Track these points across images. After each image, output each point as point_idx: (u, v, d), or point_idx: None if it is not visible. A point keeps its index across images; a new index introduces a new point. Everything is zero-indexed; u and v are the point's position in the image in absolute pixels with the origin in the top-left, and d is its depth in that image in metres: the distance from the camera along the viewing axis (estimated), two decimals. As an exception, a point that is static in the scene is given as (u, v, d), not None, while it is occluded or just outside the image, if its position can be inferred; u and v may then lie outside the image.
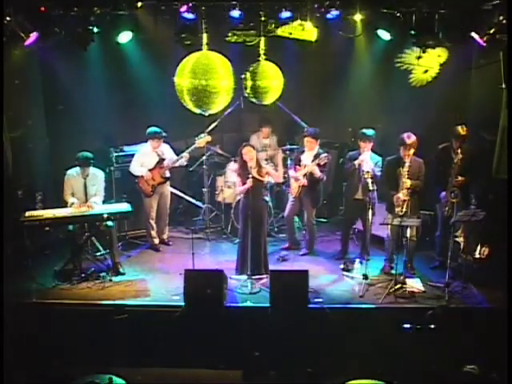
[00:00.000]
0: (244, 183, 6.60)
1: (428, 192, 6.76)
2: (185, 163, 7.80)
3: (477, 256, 6.70)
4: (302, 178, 7.21)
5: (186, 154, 7.61)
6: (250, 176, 6.47)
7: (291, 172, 7.47)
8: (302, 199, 7.36)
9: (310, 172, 7.14)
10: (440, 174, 6.70)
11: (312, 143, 7.22)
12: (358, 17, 6.66)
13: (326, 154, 7.08)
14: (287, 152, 8.35)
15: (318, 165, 7.08)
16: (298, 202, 7.41)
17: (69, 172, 6.93)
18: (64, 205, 6.81)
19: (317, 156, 7.14)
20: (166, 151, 7.64)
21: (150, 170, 7.51)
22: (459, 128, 6.53)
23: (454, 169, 6.51)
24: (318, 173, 7.11)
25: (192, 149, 7.67)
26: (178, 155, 7.65)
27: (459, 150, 6.45)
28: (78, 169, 6.89)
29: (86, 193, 6.88)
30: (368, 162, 6.84)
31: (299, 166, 7.29)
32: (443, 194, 6.69)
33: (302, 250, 7.55)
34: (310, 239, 7.51)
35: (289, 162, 8.16)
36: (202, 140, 7.69)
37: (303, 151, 7.33)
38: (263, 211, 6.73)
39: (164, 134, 7.49)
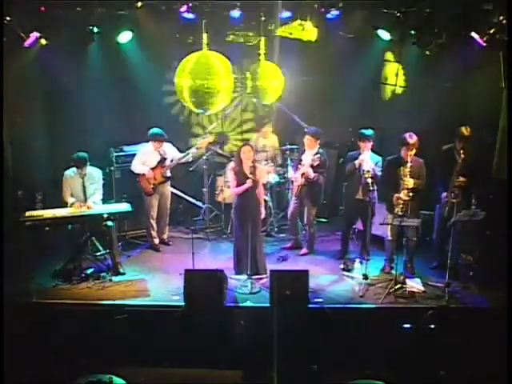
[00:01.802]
0: (239, 183, 6.57)
1: (428, 192, 6.75)
2: (191, 159, 7.78)
3: (477, 256, 6.70)
4: (300, 178, 7.23)
5: (193, 150, 7.61)
6: (251, 177, 6.46)
7: (291, 173, 7.45)
8: (303, 199, 7.37)
9: (305, 172, 7.16)
10: (443, 174, 6.69)
11: (312, 142, 7.21)
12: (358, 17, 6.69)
13: (318, 155, 7.07)
14: (287, 152, 8.35)
15: (312, 166, 7.09)
16: (300, 201, 7.42)
17: (66, 172, 6.91)
18: (64, 205, 6.80)
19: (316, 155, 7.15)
20: (168, 151, 7.61)
21: (151, 169, 7.50)
22: (463, 129, 6.51)
23: (457, 170, 6.51)
24: (311, 174, 7.11)
25: (195, 148, 7.66)
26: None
27: (462, 151, 6.44)
28: (75, 169, 6.87)
29: (85, 192, 6.86)
30: (368, 161, 6.83)
31: (300, 165, 7.29)
32: (444, 194, 6.69)
33: (302, 249, 7.55)
34: (310, 239, 7.50)
35: (289, 161, 8.15)
36: (205, 140, 7.68)
37: (304, 151, 7.33)
38: (257, 211, 6.70)
39: (165, 136, 7.47)
